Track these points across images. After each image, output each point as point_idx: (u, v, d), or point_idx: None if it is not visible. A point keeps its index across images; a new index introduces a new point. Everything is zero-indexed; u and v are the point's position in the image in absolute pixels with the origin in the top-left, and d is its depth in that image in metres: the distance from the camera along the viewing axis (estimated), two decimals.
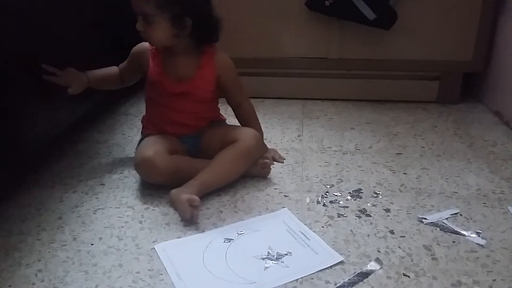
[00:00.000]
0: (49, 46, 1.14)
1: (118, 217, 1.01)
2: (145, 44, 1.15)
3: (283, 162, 1.26)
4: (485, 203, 1.07)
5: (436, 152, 1.34)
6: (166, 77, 1.12)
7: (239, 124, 1.24)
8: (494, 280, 0.82)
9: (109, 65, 1.25)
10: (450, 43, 1.64)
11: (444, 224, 0.98)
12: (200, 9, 1.07)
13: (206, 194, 1.06)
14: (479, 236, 0.94)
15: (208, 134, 1.18)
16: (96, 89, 1.22)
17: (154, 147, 1.08)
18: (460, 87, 1.73)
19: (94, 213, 1.02)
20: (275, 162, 1.24)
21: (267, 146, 1.29)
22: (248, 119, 1.23)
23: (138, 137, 1.41)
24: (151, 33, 1.06)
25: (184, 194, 0.99)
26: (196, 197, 0.98)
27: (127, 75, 1.23)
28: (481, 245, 0.92)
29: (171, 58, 1.12)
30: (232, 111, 1.25)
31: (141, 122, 1.24)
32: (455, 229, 0.96)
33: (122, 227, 0.97)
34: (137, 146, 1.16)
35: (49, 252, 0.90)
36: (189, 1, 1.04)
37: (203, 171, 1.06)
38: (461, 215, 1.02)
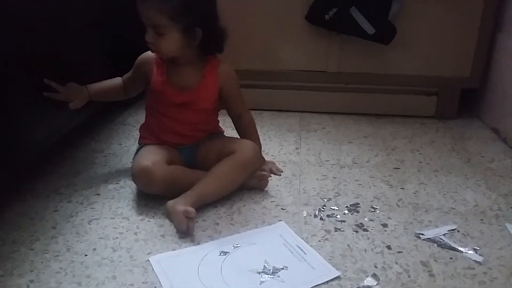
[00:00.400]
0: (46, 49, 1.14)
1: (113, 228, 1.00)
2: (150, 54, 1.14)
3: (280, 175, 1.25)
4: (482, 220, 1.06)
5: (433, 167, 1.33)
6: (169, 86, 1.12)
7: (237, 136, 1.24)
8: None
9: (107, 65, 1.25)
10: (449, 59, 1.65)
11: (441, 240, 0.97)
12: (210, 19, 1.07)
13: (203, 206, 1.06)
14: (476, 253, 0.93)
15: (206, 145, 1.17)
16: (99, 101, 1.22)
17: (151, 157, 1.08)
18: (457, 103, 1.74)
19: (89, 224, 1.01)
20: (272, 175, 1.24)
21: (265, 158, 1.29)
22: (247, 130, 1.23)
23: (135, 147, 1.40)
24: (162, 44, 1.05)
25: (180, 205, 0.98)
26: (191, 209, 0.97)
27: (131, 85, 1.21)
28: (479, 262, 0.91)
29: (175, 67, 1.12)
30: (230, 123, 1.25)
31: (139, 131, 1.23)
32: (453, 245, 0.96)
33: (117, 238, 0.96)
34: (134, 156, 1.16)
35: (42, 262, 0.89)
36: (200, 12, 1.05)
37: (200, 182, 1.06)
38: (458, 231, 1.01)
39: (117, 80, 1.22)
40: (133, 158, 1.15)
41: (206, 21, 1.06)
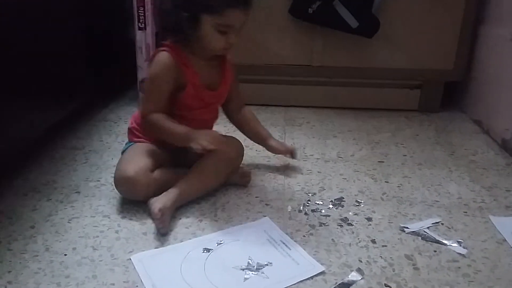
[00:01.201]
0: (22, 44, 1.11)
1: (94, 226, 0.98)
2: (166, 59, 1.03)
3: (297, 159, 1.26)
4: (466, 212, 1.07)
5: (417, 161, 1.34)
6: (204, 87, 1.07)
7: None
8: None
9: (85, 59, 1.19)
10: (432, 52, 1.66)
11: (425, 233, 0.97)
12: None
13: (186, 202, 1.04)
14: (460, 246, 0.94)
15: None
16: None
17: (136, 165, 1.02)
18: (441, 96, 1.75)
19: (69, 222, 0.99)
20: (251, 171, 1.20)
21: (247, 153, 1.26)
22: (254, 118, 1.23)
23: (116, 143, 1.39)
24: (237, 39, 1.02)
25: (158, 203, 0.95)
26: (167, 207, 0.95)
27: (165, 105, 1.05)
28: (462, 255, 0.91)
29: (202, 65, 1.06)
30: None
31: (131, 127, 1.15)
32: (437, 238, 0.96)
33: (97, 236, 0.94)
34: (122, 155, 1.11)
35: (20, 263, 0.86)
36: None
37: (182, 180, 1.04)
38: (442, 224, 1.02)
39: (162, 116, 1.04)
40: (120, 158, 1.10)
41: None
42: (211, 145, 0.98)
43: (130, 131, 1.15)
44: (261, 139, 1.25)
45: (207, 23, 0.99)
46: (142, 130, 1.11)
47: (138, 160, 1.04)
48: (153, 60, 1.05)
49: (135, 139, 1.13)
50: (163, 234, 0.95)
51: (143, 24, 1.62)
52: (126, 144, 1.16)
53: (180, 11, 0.98)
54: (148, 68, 1.07)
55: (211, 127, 1.19)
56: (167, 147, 1.11)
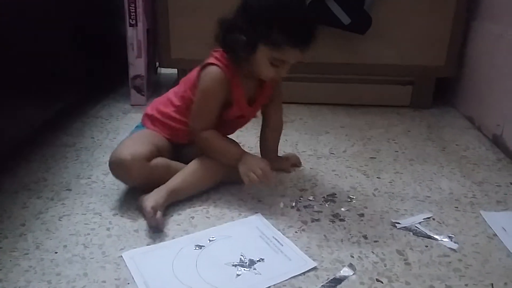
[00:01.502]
0: (12, 43, 1.10)
1: (85, 224, 0.97)
2: (220, 74, 1.02)
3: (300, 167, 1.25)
4: (457, 207, 1.07)
5: (409, 156, 1.34)
6: (246, 103, 1.08)
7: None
8: (466, 285, 0.82)
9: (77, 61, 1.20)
10: (423, 48, 1.66)
11: (417, 229, 0.98)
12: None
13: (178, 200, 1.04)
14: (451, 241, 0.94)
15: None
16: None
17: (135, 148, 1.01)
18: (433, 92, 1.75)
19: (59, 220, 0.98)
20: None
21: (245, 150, 1.26)
22: (274, 136, 1.24)
23: (108, 140, 1.38)
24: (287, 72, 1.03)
25: (149, 201, 0.95)
26: (159, 204, 0.95)
27: (214, 121, 1.06)
28: (454, 250, 0.91)
29: (246, 81, 1.06)
30: None
31: (150, 113, 1.12)
32: (428, 234, 0.96)
33: (88, 234, 0.94)
34: (129, 135, 1.10)
35: (10, 261, 0.85)
36: None
37: (175, 177, 1.03)
38: (433, 219, 1.02)
39: (214, 133, 1.06)
40: (123, 139, 1.08)
41: None
42: (260, 182, 1.00)
43: (148, 117, 1.13)
44: (265, 155, 1.23)
45: (263, 53, 0.97)
46: (197, 146, 1.08)
47: (139, 146, 1.02)
48: (202, 72, 1.04)
49: (149, 126, 1.12)
50: (157, 232, 0.94)
51: (134, 21, 1.61)
52: (136, 126, 1.16)
53: (240, 34, 0.97)
54: (200, 81, 1.04)
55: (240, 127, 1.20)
56: (174, 142, 1.11)
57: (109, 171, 1.06)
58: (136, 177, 1.01)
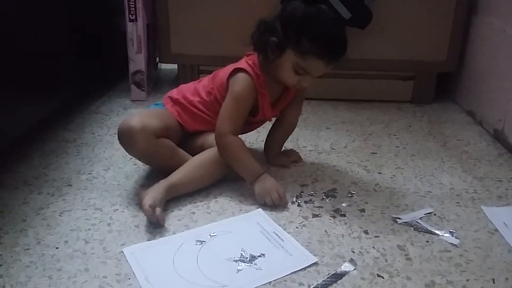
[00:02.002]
0: (9, 41, 1.10)
1: (85, 219, 0.97)
2: (248, 80, 1.05)
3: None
4: (458, 203, 1.07)
5: (410, 152, 1.34)
6: (270, 108, 1.11)
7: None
8: (467, 280, 0.82)
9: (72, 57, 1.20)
10: (425, 43, 1.65)
11: (418, 224, 0.98)
12: None
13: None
14: (452, 236, 0.94)
15: (206, 136, 1.14)
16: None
17: (147, 120, 1.02)
18: (434, 87, 1.75)
19: (60, 215, 0.98)
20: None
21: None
22: (282, 136, 1.25)
23: (108, 136, 1.38)
24: (310, 83, 1.06)
25: (147, 199, 0.94)
26: (158, 201, 0.94)
27: (242, 125, 1.08)
28: (455, 245, 0.91)
29: (272, 84, 1.09)
30: None
31: (176, 97, 1.14)
32: (429, 229, 0.96)
33: (89, 229, 0.94)
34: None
35: (11, 256, 0.85)
36: None
37: (177, 172, 1.03)
38: (435, 214, 1.02)
39: (240, 142, 1.06)
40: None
41: None
42: (274, 203, 1.01)
43: (172, 100, 1.15)
44: (268, 153, 1.25)
45: (289, 58, 1.00)
46: (219, 149, 1.07)
47: (151, 120, 1.04)
48: (233, 77, 1.06)
49: (169, 108, 1.14)
50: (158, 227, 0.94)
51: (134, 16, 1.60)
52: (156, 104, 1.18)
53: (270, 34, 1.01)
54: (231, 86, 1.06)
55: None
56: (185, 130, 1.13)
57: (110, 166, 1.07)
58: (141, 148, 1.02)
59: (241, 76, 1.05)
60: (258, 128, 1.28)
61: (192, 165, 1.05)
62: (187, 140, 1.14)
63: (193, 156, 1.08)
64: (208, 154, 1.07)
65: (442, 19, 1.62)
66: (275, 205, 1.01)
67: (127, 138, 1.02)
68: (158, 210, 0.93)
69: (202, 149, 1.10)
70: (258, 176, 1.03)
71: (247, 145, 1.32)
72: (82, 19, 1.51)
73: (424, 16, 1.62)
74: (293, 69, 1.01)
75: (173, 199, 1.02)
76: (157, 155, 1.05)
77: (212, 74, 1.16)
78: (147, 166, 1.17)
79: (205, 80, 1.16)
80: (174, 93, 1.17)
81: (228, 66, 1.10)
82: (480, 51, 1.61)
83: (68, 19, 1.42)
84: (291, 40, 0.99)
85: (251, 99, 1.06)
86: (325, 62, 0.99)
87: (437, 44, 1.65)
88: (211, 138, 1.09)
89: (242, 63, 1.07)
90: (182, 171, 1.04)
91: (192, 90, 1.15)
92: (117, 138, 1.04)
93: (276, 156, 1.23)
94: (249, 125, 1.15)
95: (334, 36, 1.00)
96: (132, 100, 1.69)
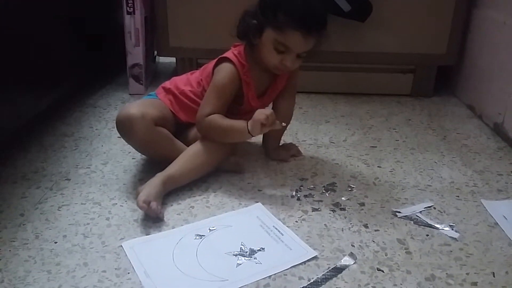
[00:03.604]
0: (8, 34, 1.08)
1: (84, 213, 0.97)
2: (232, 69, 1.05)
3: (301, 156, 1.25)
4: (458, 196, 1.07)
5: (410, 145, 1.33)
6: (256, 97, 1.11)
7: None
8: (467, 273, 0.82)
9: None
10: (425, 36, 1.64)
11: (418, 218, 0.97)
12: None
13: (178, 188, 1.03)
14: (452, 229, 0.94)
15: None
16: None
17: (145, 109, 1.02)
18: (434, 80, 1.74)
19: (59, 210, 0.98)
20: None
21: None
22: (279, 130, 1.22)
23: (106, 130, 1.38)
24: (295, 64, 1.04)
25: (141, 195, 0.93)
26: (152, 196, 0.93)
27: (222, 113, 1.06)
28: (455, 238, 0.91)
29: (259, 73, 1.09)
30: None
31: (169, 87, 1.14)
32: (429, 222, 0.96)
33: (88, 224, 0.93)
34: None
35: (9, 251, 0.85)
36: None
37: (173, 164, 1.03)
38: (434, 208, 1.02)
39: (217, 115, 1.05)
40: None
41: None
42: (266, 128, 0.99)
43: (165, 90, 1.15)
44: (266, 147, 1.24)
45: (268, 37, 1.01)
46: (198, 131, 1.08)
47: (149, 108, 1.04)
48: (217, 67, 1.07)
49: (162, 98, 1.13)
50: (157, 221, 0.94)
51: (131, 9, 1.59)
52: (149, 94, 1.17)
53: (251, 18, 1.02)
54: (214, 75, 1.07)
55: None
56: (178, 120, 1.12)
57: (108, 160, 1.06)
58: (140, 136, 1.02)
59: (224, 65, 1.06)
60: None
61: (188, 155, 1.05)
62: (182, 131, 1.14)
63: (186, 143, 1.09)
64: (203, 143, 1.06)
65: (442, 12, 1.61)
66: (269, 123, 0.98)
67: (127, 126, 1.01)
68: (153, 204, 0.92)
69: (196, 140, 1.10)
70: (245, 125, 1.01)
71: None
72: (80, 12, 1.50)
73: (424, 9, 1.61)
74: (274, 48, 1.01)
75: (172, 192, 1.02)
76: (156, 143, 1.05)
77: (203, 66, 1.16)
78: (146, 159, 1.17)
79: (197, 72, 1.17)
80: (167, 83, 1.17)
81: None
82: (480, 44, 1.61)
83: (66, 12, 1.41)
84: (269, 17, 0.99)
85: (233, 88, 1.06)
86: (303, 34, 0.98)
87: (437, 37, 1.64)
88: None
89: (228, 53, 1.08)
90: (178, 162, 1.03)
91: (185, 81, 1.16)
92: (115, 131, 1.04)
93: (275, 150, 1.23)
94: (237, 115, 1.12)
95: (310, 7, 0.99)
96: (130, 94, 1.69)
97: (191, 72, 1.20)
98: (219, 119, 1.04)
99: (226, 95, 1.06)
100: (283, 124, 0.99)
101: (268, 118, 0.97)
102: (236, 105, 1.10)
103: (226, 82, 1.05)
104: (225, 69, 1.06)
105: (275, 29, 0.99)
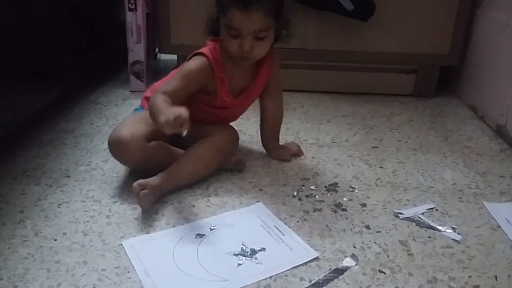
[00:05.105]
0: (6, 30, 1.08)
1: (84, 211, 0.96)
2: (204, 62, 1.04)
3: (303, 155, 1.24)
4: (460, 198, 1.06)
5: (412, 146, 1.33)
6: (231, 94, 1.09)
7: None
8: (469, 276, 0.81)
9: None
10: (427, 36, 1.64)
11: (420, 219, 0.97)
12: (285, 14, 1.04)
13: (178, 188, 1.03)
14: (454, 232, 0.93)
15: (199, 128, 1.11)
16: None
17: (134, 128, 1.00)
18: (436, 81, 1.73)
19: (58, 207, 0.97)
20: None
21: (241, 137, 1.25)
22: (272, 126, 1.23)
23: (107, 127, 1.37)
24: (258, 50, 1.00)
25: (142, 180, 0.94)
26: (147, 184, 0.93)
27: (181, 98, 1.02)
28: (457, 241, 0.91)
29: (234, 69, 1.07)
30: None
31: (150, 93, 1.11)
32: (431, 224, 0.95)
33: (88, 222, 0.93)
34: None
35: (8, 248, 0.84)
36: (285, 8, 1.03)
37: (174, 164, 1.02)
38: (437, 210, 1.01)
39: (167, 97, 0.99)
40: (121, 120, 1.09)
41: (284, 16, 1.04)
42: (169, 128, 0.88)
43: (146, 99, 1.13)
44: (265, 146, 1.24)
45: (222, 25, 1.00)
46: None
47: (138, 126, 1.02)
48: (192, 58, 1.06)
49: (146, 108, 1.10)
50: (144, 210, 0.94)
51: (133, 5, 1.58)
52: (135, 109, 1.16)
53: (214, 12, 1.02)
54: (186, 62, 1.07)
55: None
56: None
57: (109, 158, 1.05)
58: (135, 157, 1.00)
59: (196, 57, 1.06)
60: (259, 122, 1.27)
61: (187, 156, 1.04)
62: (178, 136, 1.11)
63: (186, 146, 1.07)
64: (203, 144, 1.06)
65: (445, 12, 1.60)
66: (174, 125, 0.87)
67: (120, 151, 1.00)
68: (144, 191, 0.92)
69: (195, 140, 1.08)
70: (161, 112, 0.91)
71: (247, 137, 1.32)
72: (81, 8, 1.49)
73: (427, 9, 1.60)
74: (228, 34, 0.99)
75: (173, 192, 1.01)
76: (152, 157, 1.02)
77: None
78: None
79: (174, 71, 1.14)
80: (148, 92, 1.15)
81: None
82: (483, 44, 1.60)
83: (67, 8, 1.40)
84: (218, 6, 1.00)
85: (200, 78, 1.04)
86: (240, 9, 0.95)
87: (440, 38, 1.64)
88: (202, 130, 1.08)
89: (203, 49, 1.07)
90: (177, 163, 1.03)
91: (162, 83, 1.12)
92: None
93: (275, 149, 1.22)
94: (212, 109, 1.11)
95: None
96: (131, 91, 1.68)
97: (171, 72, 1.16)
98: (162, 100, 0.96)
99: (189, 82, 1.03)
100: (184, 132, 0.87)
101: (174, 120, 0.86)
102: (209, 100, 1.09)
103: (192, 69, 1.04)
104: (196, 60, 1.05)
105: (221, 15, 0.99)
